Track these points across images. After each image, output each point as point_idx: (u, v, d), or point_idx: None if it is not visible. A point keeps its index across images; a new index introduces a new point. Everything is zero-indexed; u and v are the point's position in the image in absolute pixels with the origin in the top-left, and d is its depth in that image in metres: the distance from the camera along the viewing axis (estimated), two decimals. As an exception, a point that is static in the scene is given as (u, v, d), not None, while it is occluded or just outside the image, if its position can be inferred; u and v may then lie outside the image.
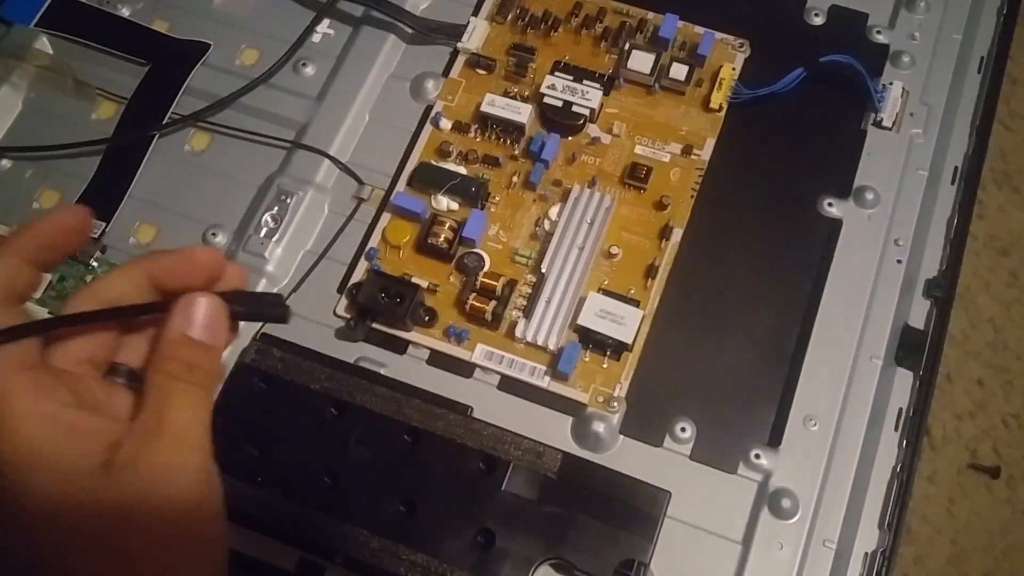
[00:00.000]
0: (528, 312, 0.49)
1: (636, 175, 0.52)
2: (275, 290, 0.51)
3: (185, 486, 0.29)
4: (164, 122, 0.55)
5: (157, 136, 0.55)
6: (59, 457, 0.28)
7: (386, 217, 0.52)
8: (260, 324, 0.50)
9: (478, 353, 0.49)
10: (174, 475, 0.29)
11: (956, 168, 0.53)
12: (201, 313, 0.31)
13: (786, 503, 0.46)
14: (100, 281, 0.32)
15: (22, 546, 0.28)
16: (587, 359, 0.49)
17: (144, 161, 0.55)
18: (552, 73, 0.54)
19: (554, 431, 0.48)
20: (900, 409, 0.48)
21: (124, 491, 0.28)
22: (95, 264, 0.52)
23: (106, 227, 0.53)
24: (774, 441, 0.47)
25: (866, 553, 0.45)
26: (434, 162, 0.53)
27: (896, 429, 0.48)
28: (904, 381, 0.49)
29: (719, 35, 0.56)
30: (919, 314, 0.50)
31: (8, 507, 0.27)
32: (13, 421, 0.27)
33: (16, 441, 0.27)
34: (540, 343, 0.48)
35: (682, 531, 0.46)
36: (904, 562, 0.50)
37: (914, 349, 0.49)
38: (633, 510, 0.45)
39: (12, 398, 0.28)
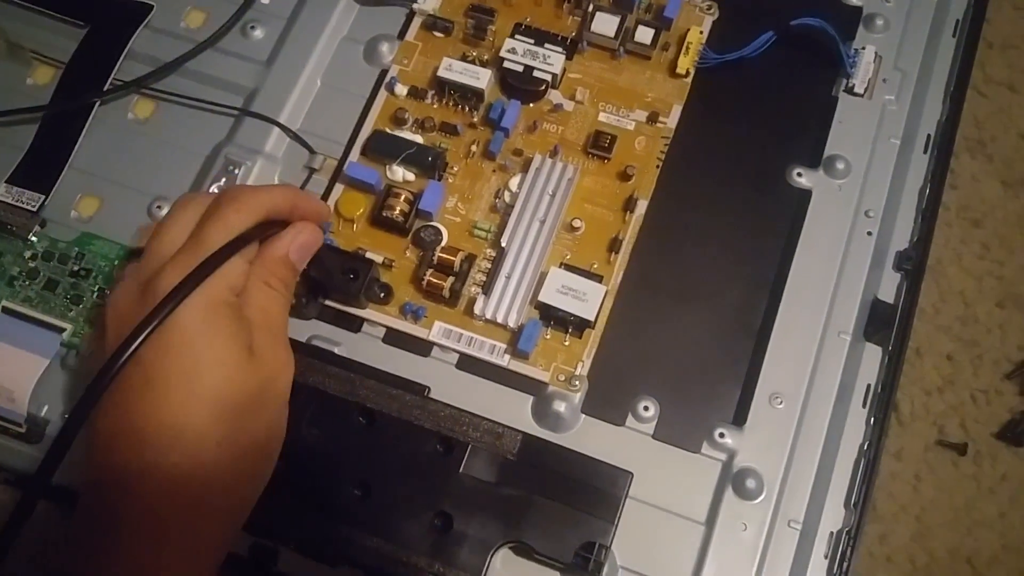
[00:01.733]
0: (487, 288, 0.48)
1: (600, 144, 0.50)
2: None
3: (289, 372, 0.42)
4: (105, 88, 0.53)
5: (98, 103, 0.53)
6: (233, 355, 0.39)
7: (339, 188, 0.51)
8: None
9: (436, 331, 0.48)
10: (286, 363, 0.42)
11: (929, 136, 0.52)
12: (303, 240, 0.42)
13: (751, 483, 0.45)
14: (255, 198, 0.41)
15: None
16: (548, 337, 0.48)
17: (84, 130, 0.52)
18: (512, 36, 0.52)
19: (514, 411, 0.47)
20: (868, 385, 0.47)
21: (261, 371, 0.39)
22: (34, 239, 0.50)
23: (45, 200, 0.51)
24: (739, 420, 0.47)
25: (831, 532, 0.45)
26: (389, 130, 0.51)
27: (864, 406, 0.47)
28: (873, 357, 0.48)
29: (687, -4, 0.54)
30: (889, 287, 0.49)
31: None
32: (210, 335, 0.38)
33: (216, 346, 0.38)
34: (500, 320, 0.47)
35: (645, 512, 0.45)
36: (869, 540, 0.49)
37: (884, 323, 0.48)
38: (594, 491, 0.44)
39: (204, 320, 0.38)
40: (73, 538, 0.38)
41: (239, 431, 0.39)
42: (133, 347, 0.36)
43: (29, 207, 0.50)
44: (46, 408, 0.48)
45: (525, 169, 0.50)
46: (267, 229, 0.41)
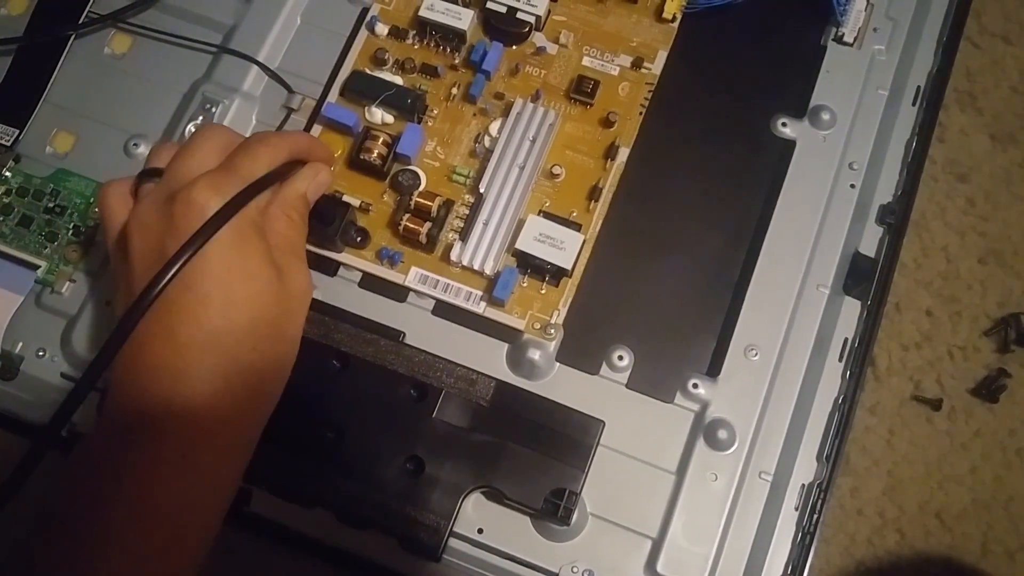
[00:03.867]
0: (465, 235, 0.47)
1: (583, 89, 0.49)
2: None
3: (310, 295, 0.43)
4: (81, 22, 0.51)
5: (74, 37, 0.51)
6: (264, 271, 0.40)
7: (317, 129, 0.49)
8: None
9: (412, 276, 0.47)
10: (309, 286, 0.43)
11: (919, 88, 0.51)
12: (320, 179, 0.44)
13: (722, 434, 0.45)
14: (283, 139, 0.43)
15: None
16: (525, 284, 0.47)
17: (60, 64, 0.51)
18: (497, -24, 0.50)
19: (489, 358, 0.46)
20: (846, 339, 0.46)
21: (286, 289, 0.41)
22: (8, 174, 0.49)
23: (19, 134, 0.49)
24: (713, 371, 0.46)
25: (803, 485, 0.44)
26: (368, 71, 0.50)
27: (840, 360, 0.46)
28: (851, 311, 0.47)
29: (676, -63, 0.52)
30: (871, 241, 0.48)
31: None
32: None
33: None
34: (476, 267, 0.46)
35: (616, 460, 0.45)
36: (840, 493, 0.49)
37: (864, 277, 0.47)
38: (565, 439, 0.44)
39: (239, 237, 0.39)
40: (91, 459, 0.38)
41: (269, 343, 0.40)
42: (184, 259, 0.37)
43: (3, 141, 0.49)
44: (20, 345, 0.47)
45: (506, 113, 0.48)
46: (294, 167, 0.43)
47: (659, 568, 0.43)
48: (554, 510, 0.42)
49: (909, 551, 0.48)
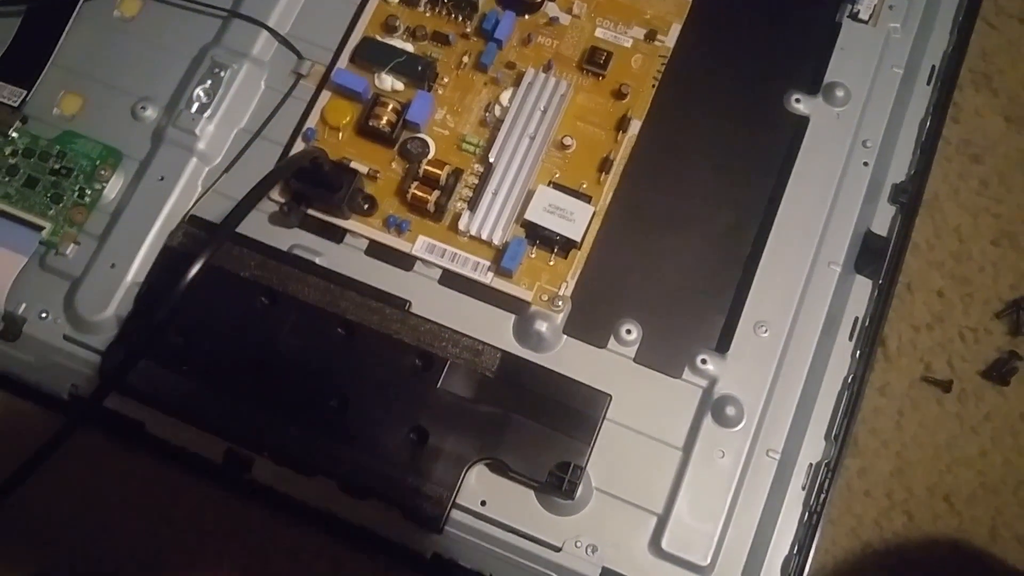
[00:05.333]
0: (473, 204, 0.44)
1: (595, 60, 0.46)
2: (206, 169, 0.46)
3: None
4: (91, -17, 0.49)
5: (83, -1, 0.49)
6: None
7: (326, 96, 0.47)
8: (191, 206, 0.45)
9: (419, 245, 0.45)
10: None
11: (933, 67, 0.48)
12: None
13: (730, 410, 0.42)
14: None
15: None
16: (533, 256, 0.44)
17: (68, 26, 0.48)
18: (510, -55, 0.48)
19: (495, 329, 0.44)
20: (856, 318, 0.44)
21: None
22: (14, 135, 0.47)
23: (27, 95, 0.47)
24: (722, 347, 0.44)
25: (810, 464, 0.42)
26: (379, 37, 0.48)
27: (850, 339, 0.44)
28: (862, 289, 0.45)
29: (692, -90, 0.49)
30: (883, 220, 0.46)
31: None
32: None
33: None
34: (484, 237, 0.44)
35: (622, 435, 0.43)
36: (848, 474, 0.47)
37: (875, 256, 0.45)
38: (572, 412, 0.42)
39: None
40: None
41: None
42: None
43: (10, 102, 0.47)
44: (23, 306, 0.45)
45: (517, 83, 0.46)
46: (307, 155, 0.42)
47: (664, 545, 0.41)
48: (558, 484, 0.40)
49: (917, 533, 0.46)
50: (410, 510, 0.41)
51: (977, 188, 0.50)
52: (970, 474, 0.47)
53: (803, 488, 0.42)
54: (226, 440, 0.43)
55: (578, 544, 0.41)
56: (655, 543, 0.41)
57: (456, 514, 0.41)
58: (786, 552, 0.41)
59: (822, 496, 0.42)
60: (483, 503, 0.42)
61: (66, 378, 0.44)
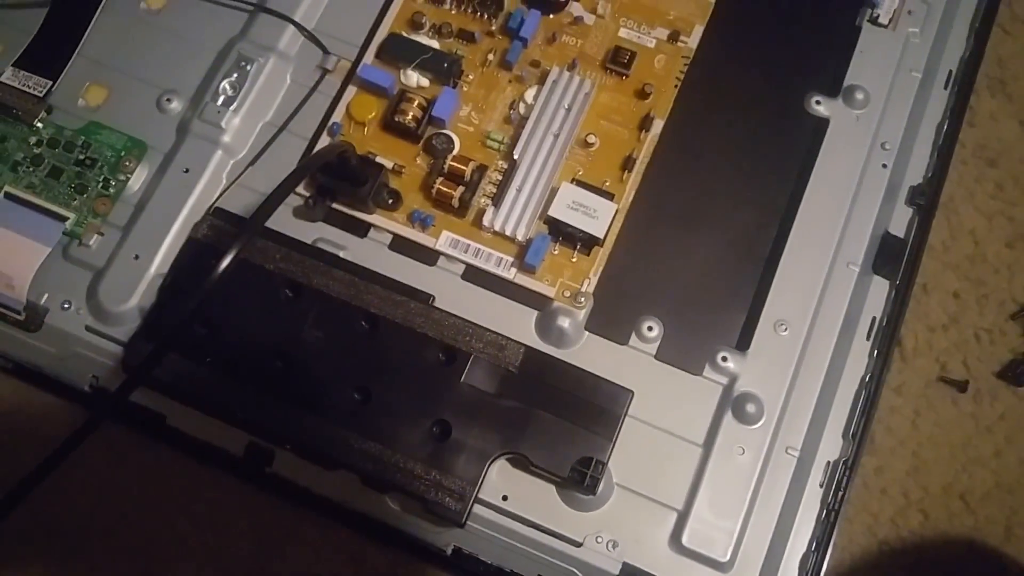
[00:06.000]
0: (497, 200, 0.44)
1: (619, 60, 0.46)
2: (231, 162, 0.46)
3: None
4: (118, -24, 0.48)
5: (110, -10, 0.48)
6: None
7: (351, 91, 0.46)
8: (215, 199, 0.45)
9: (443, 240, 0.44)
10: None
11: (951, 72, 0.48)
12: None
13: (750, 408, 0.42)
14: None
15: None
16: (556, 252, 0.44)
17: (95, 17, 0.48)
18: (535, -55, 0.48)
19: (518, 325, 0.43)
20: (874, 318, 0.44)
21: None
22: (40, 125, 0.46)
23: (52, 86, 0.46)
24: (742, 345, 0.43)
25: (828, 462, 0.42)
26: (405, 34, 0.47)
27: (868, 339, 0.44)
28: (880, 290, 0.44)
29: (715, -86, 0.49)
30: (900, 222, 0.46)
31: None
32: None
33: None
34: (508, 233, 0.43)
35: (643, 431, 0.42)
36: (864, 472, 0.46)
37: (893, 257, 0.45)
38: (594, 408, 0.41)
39: None
40: None
41: None
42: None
43: (36, 92, 0.46)
44: (45, 296, 0.44)
45: (542, 81, 0.46)
46: (333, 149, 0.41)
47: (684, 541, 0.41)
48: (580, 479, 0.40)
49: (932, 532, 0.46)
50: (432, 504, 0.40)
51: (992, 191, 0.50)
52: (985, 473, 0.46)
53: (821, 486, 0.41)
54: (249, 432, 0.42)
55: (599, 539, 0.41)
56: (675, 539, 0.41)
57: (478, 509, 0.41)
58: (804, 549, 0.41)
59: (840, 494, 0.41)
60: (504, 498, 0.41)
61: (87, 369, 0.43)
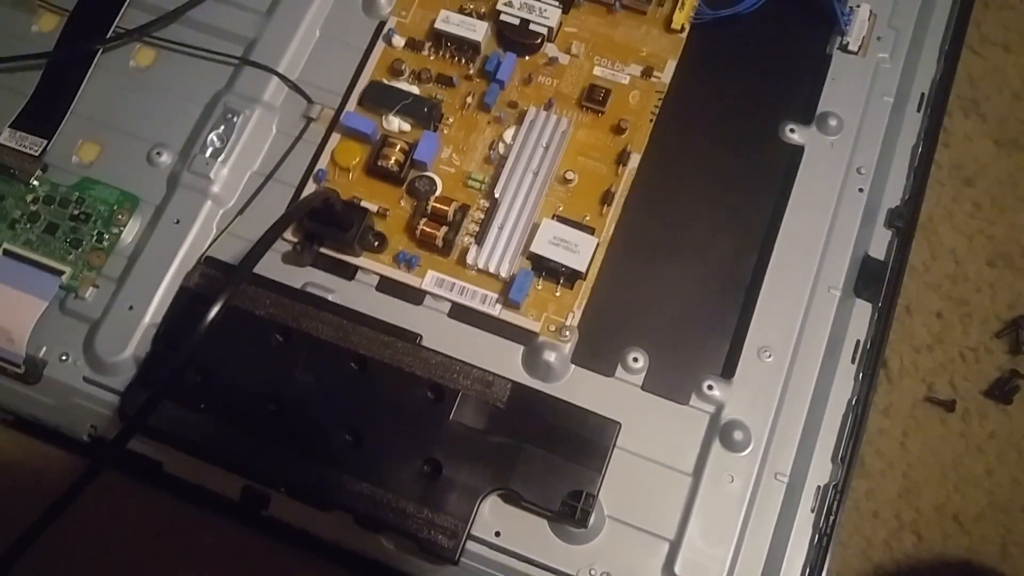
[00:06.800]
0: (480, 238, 0.44)
1: (594, 97, 0.46)
2: (220, 212, 0.46)
3: None
4: (108, 36, 0.49)
5: (101, 51, 0.49)
6: None
7: (335, 138, 0.47)
8: (206, 248, 0.45)
9: (428, 280, 0.44)
10: None
11: (923, 95, 0.48)
12: None
13: (738, 435, 0.41)
14: None
15: None
16: (539, 287, 0.44)
17: (87, 77, 0.48)
18: (510, -10, 0.48)
19: (505, 360, 0.43)
20: (858, 341, 0.43)
21: None
22: (35, 183, 0.46)
23: (47, 145, 0.47)
24: (727, 372, 0.43)
25: (818, 487, 0.41)
26: (386, 81, 0.47)
27: (853, 362, 0.43)
28: (863, 313, 0.44)
29: (683, -49, 0.49)
30: (880, 244, 0.45)
31: None
32: None
33: None
34: (492, 270, 0.43)
35: (632, 462, 0.41)
36: (856, 495, 0.45)
37: (874, 280, 0.44)
38: (582, 441, 0.41)
39: None
40: None
41: None
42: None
43: (31, 151, 0.47)
44: (44, 349, 0.44)
45: (519, 121, 0.46)
46: (317, 197, 0.41)
47: (677, 570, 0.40)
48: (571, 512, 0.39)
49: (927, 554, 0.45)
50: (425, 543, 0.39)
51: (970, 210, 0.50)
52: (978, 493, 0.45)
53: (812, 511, 0.41)
54: (244, 476, 0.42)
55: (592, 572, 0.40)
56: (668, 569, 0.40)
57: (471, 545, 0.40)
58: (798, 575, 0.40)
59: (831, 518, 0.40)
60: (497, 534, 0.41)
61: (86, 419, 0.43)
